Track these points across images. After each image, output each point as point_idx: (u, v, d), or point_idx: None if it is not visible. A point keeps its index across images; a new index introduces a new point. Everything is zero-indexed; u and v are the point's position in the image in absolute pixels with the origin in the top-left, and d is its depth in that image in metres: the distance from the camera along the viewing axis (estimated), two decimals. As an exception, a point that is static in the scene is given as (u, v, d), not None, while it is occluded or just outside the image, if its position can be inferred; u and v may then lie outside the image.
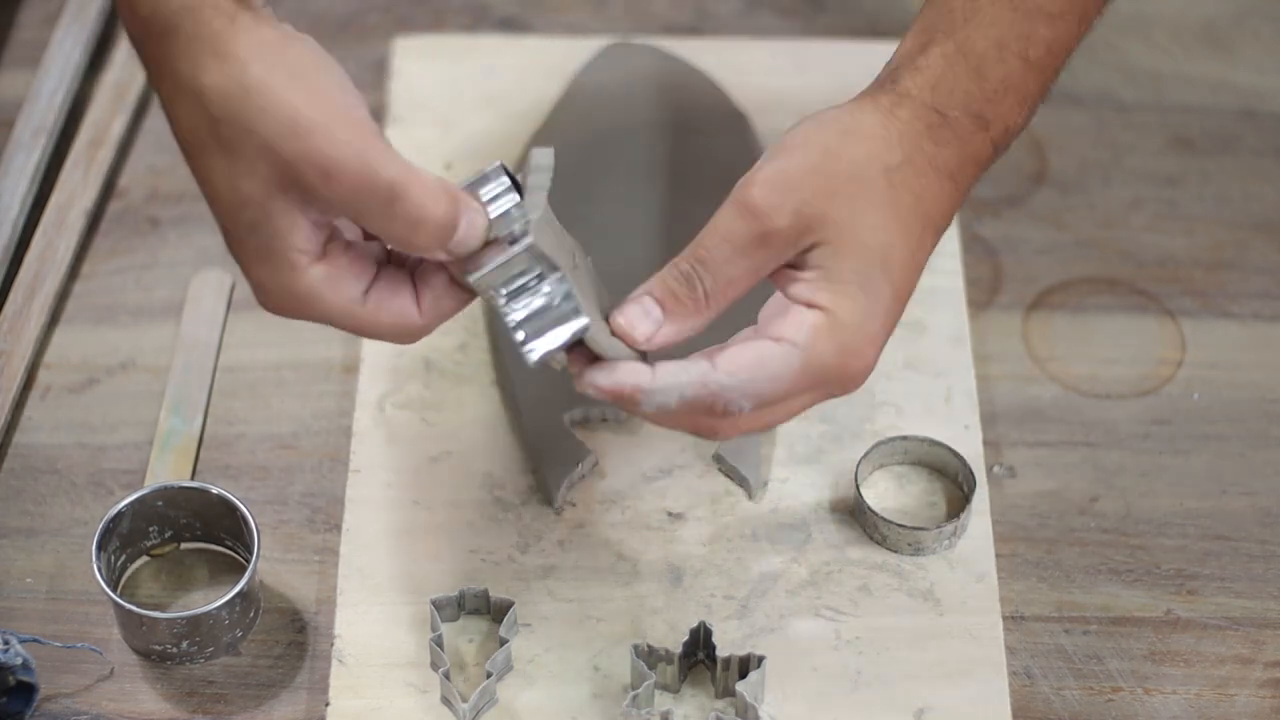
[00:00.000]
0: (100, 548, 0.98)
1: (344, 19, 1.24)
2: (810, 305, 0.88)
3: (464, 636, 0.99)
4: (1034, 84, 0.92)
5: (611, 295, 1.10)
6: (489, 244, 0.87)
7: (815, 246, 0.88)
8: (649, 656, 0.96)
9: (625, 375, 0.88)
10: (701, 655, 0.98)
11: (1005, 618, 1.00)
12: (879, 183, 0.89)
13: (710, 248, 0.89)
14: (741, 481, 1.04)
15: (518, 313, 0.87)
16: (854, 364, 0.89)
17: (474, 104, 1.18)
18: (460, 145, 1.17)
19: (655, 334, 0.89)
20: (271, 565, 1.02)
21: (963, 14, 0.92)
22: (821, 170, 0.89)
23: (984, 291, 1.12)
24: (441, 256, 0.86)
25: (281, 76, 0.83)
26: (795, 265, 0.89)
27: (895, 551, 1.02)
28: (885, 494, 1.04)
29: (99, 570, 0.97)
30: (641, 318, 0.90)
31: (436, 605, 0.98)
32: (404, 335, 0.89)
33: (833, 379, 0.89)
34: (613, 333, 0.89)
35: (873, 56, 1.20)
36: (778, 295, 0.90)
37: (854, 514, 1.03)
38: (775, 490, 1.04)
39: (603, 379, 0.88)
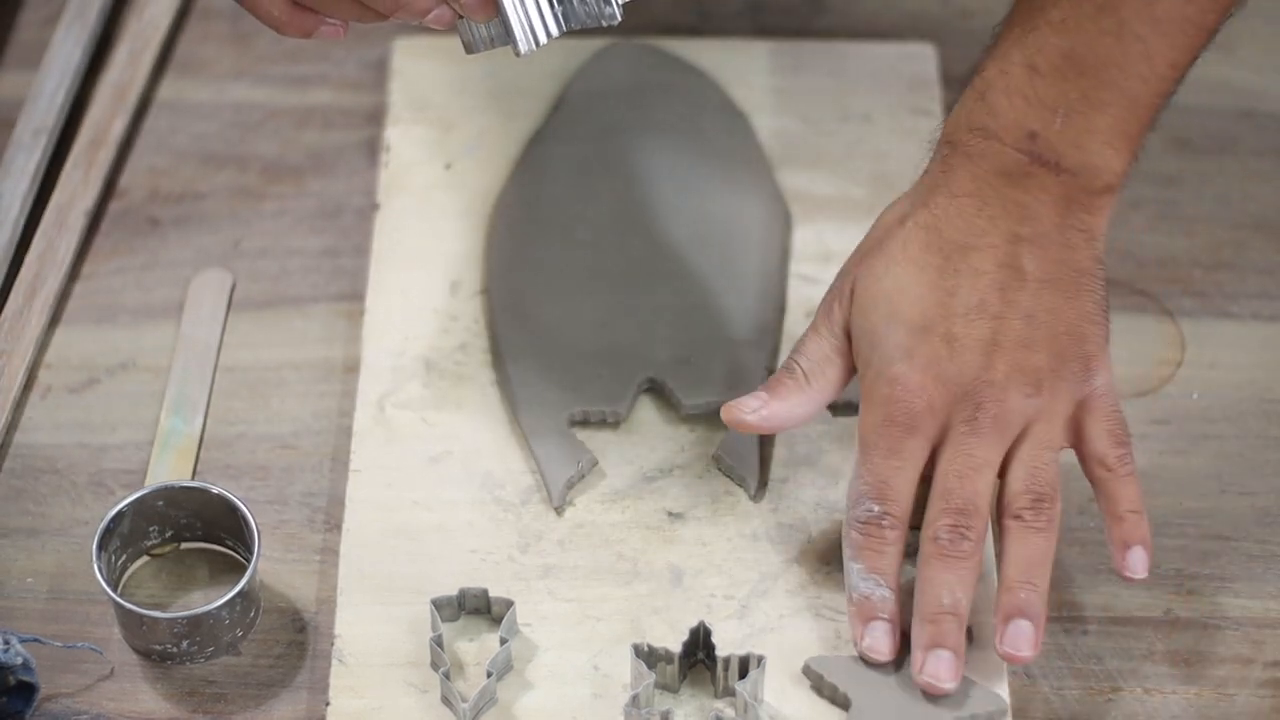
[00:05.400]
0: (101, 547, 0.98)
1: (344, 19, 1.24)
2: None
3: (464, 636, 0.99)
4: (1050, 88, 0.93)
5: (612, 293, 1.10)
6: None
7: (851, 305, 0.96)
8: (649, 656, 0.96)
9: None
10: (701, 655, 0.98)
11: (1005, 617, 1.00)
12: (895, 233, 0.96)
13: (802, 337, 0.99)
14: (741, 481, 1.04)
15: None
16: (904, 407, 0.94)
17: (474, 104, 1.18)
18: (460, 145, 1.17)
19: (760, 408, 0.98)
20: (272, 565, 1.02)
21: (986, 49, 0.96)
22: (860, 246, 0.99)
23: (984, 291, 1.12)
24: None
25: None
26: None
27: (895, 551, 1.02)
28: (885, 494, 1.04)
29: (99, 570, 0.97)
30: (748, 399, 0.98)
31: (436, 605, 0.98)
32: None
33: (901, 425, 0.95)
34: (727, 417, 0.99)
35: (873, 56, 1.21)
36: None
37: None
38: (775, 490, 1.04)
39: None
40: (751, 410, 0.98)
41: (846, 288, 0.97)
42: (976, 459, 0.94)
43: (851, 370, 0.98)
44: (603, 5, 0.93)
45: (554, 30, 0.93)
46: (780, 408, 0.98)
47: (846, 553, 0.95)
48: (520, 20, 0.92)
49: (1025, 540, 0.94)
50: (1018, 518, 0.94)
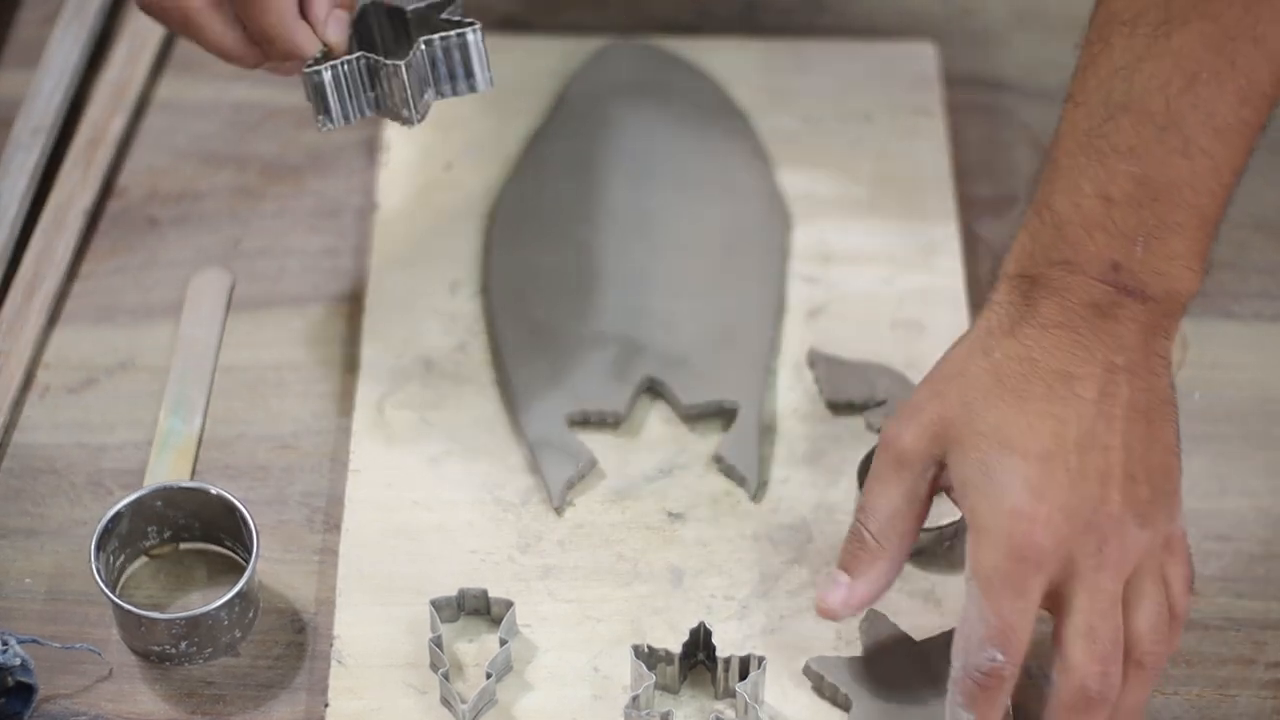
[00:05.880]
0: (99, 548, 0.98)
1: (343, 18, 1.23)
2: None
3: (463, 637, 0.99)
4: (1128, 217, 0.91)
5: (612, 293, 1.10)
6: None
7: (948, 454, 0.92)
8: (649, 657, 0.96)
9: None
10: (701, 656, 0.98)
11: (1006, 618, 1.00)
12: (981, 368, 0.93)
13: (865, 493, 0.94)
14: (741, 481, 1.04)
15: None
16: (1031, 541, 0.89)
17: (474, 104, 1.18)
18: (460, 145, 1.17)
19: (848, 597, 0.93)
20: (271, 565, 1.02)
21: (1046, 178, 0.94)
22: (933, 382, 0.94)
23: (984, 291, 1.11)
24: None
25: None
26: (949, 485, 0.93)
27: (896, 552, 1.02)
28: (886, 494, 1.04)
29: (98, 571, 0.97)
30: (831, 587, 0.94)
31: (436, 606, 0.98)
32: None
33: (1030, 561, 0.90)
34: (819, 613, 0.95)
35: (873, 56, 1.21)
36: None
37: (855, 514, 1.03)
38: (775, 490, 1.04)
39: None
40: (840, 601, 0.94)
41: (925, 421, 0.93)
42: (1110, 594, 0.91)
43: (924, 514, 0.94)
44: (400, 109, 0.99)
45: (363, 113, 0.99)
46: (864, 587, 0.94)
47: (958, 700, 0.91)
48: (333, 97, 0.98)
49: (1144, 686, 0.92)
50: (1139, 665, 0.91)
